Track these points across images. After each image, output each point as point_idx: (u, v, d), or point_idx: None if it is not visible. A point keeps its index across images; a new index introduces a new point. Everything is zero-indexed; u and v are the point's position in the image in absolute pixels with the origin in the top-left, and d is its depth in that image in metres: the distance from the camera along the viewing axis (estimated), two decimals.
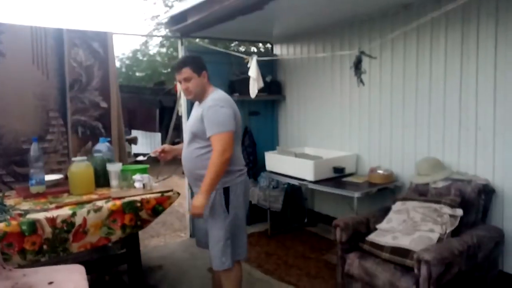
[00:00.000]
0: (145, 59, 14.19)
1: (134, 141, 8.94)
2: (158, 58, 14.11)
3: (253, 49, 8.42)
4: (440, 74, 2.85)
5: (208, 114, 2.01)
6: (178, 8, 3.25)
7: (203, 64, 2.12)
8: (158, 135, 9.68)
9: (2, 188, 2.68)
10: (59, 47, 2.97)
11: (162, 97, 10.24)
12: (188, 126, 2.17)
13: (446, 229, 2.30)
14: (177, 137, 8.29)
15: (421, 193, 2.73)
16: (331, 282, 2.77)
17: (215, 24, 3.32)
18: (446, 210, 2.38)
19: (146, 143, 9.87)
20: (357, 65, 2.26)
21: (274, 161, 3.71)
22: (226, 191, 2.08)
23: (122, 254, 2.62)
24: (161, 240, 3.86)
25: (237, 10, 2.88)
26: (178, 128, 8.62)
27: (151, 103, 9.98)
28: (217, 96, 2.08)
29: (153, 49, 14.14)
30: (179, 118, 7.86)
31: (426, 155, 2.94)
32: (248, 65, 3.15)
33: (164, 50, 13.59)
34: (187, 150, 2.14)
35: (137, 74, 14.18)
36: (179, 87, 2.30)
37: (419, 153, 3.02)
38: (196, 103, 2.20)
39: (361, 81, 2.31)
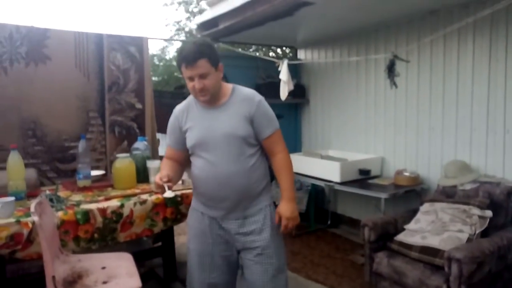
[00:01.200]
0: (161, 64, 14.49)
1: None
2: (174, 63, 14.38)
3: (272, 54, 8.56)
4: (467, 78, 2.90)
5: (262, 109, 1.63)
6: (210, 14, 3.39)
7: (218, 53, 1.63)
8: None
9: (46, 183, 2.85)
10: (99, 51, 3.13)
11: (180, 101, 10.47)
12: (225, 132, 1.60)
13: (475, 230, 2.34)
14: None
15: (449, 195, 2.78)
16: (358, 280, 2.83)
17: (244, 30, 3.45)
18: (475, 211, 2.42)
19: (165, 144, 10.12)
20: (390, 68, 2.34)
21: (299, 163, 3.80)
22: (273, 205, 1.74)
23: (158, 247, 2.75)
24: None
25: (268, 16, 3.00)
26: None
27: (170, 107, 10.20)
28: (248, 89, 1.70)
29: (169, 55, 14.41)
30: None
31: (453, 158, 2.99)
32: (279, 69, 3.26)
33: None
34: (235, 164, 1.60)
35: (154, 78, 14.48)
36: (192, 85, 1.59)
37: (446, 156, 3.07)
38: (198, 107, 1.67)
39: (394, 83, 2.39)
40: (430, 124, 3.20)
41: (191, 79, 1.55)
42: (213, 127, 1.63)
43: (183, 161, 1.76)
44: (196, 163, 1.67)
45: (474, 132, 2.89)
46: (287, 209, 1.68)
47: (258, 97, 1.66)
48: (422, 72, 3.22)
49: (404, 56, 3.01)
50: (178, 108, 1.75)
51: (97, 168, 3.04)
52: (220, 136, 1.61)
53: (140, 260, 2.85)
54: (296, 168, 3.77)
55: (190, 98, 1.70)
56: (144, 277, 2.93)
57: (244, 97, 1.65)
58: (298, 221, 1.72)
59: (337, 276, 2.94)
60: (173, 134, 1.74)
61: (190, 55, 1.52)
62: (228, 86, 1.68)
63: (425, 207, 2.68)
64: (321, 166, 3.52)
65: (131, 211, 2.04)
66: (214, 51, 1.59)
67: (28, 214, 1.79)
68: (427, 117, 3.22)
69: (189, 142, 1.66)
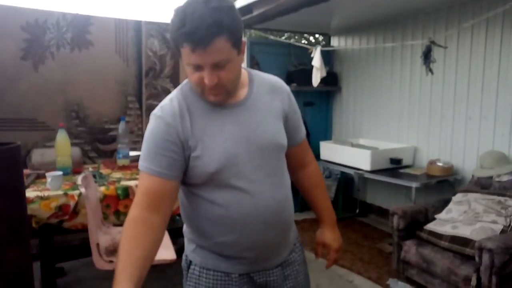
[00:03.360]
0: None
1: None
2: None
3: (304, 41, 8.48)
4: (510, 66, 2.78)
5: (294, 102, 1.16)
6: (245, 0, 3.42)
7: (241, 22, 0.96)
8: None
9: (87, 162, 3.04)
10: (137, 38, 3.26)
11: None
12: (265, 142, 1.04)
13: (510, 221, 2.28)
14: None
15: (483, 186, 2.70)
16: (385, 268, 2.83)
17: (278, 16, 3.46)
18: (511, 202, 2.35)
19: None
20: (427, 55, 2.29)
21: (329, 151, 3.80)
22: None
23: None
24: None
25: (303, 2, 2.99)
26: None
27: None
28: (270, 75, 1.17)
29: None
30: None
31: (490, 149, 2.89)
32: (312, 55, 3.26)
33: None
34: (281, 188, 1.08)
35: None
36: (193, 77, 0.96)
37: (483, 146, 2.97)
38: (205, 105, 1.02)
39: (430, 70, 2.34)
40: (467, 113, 3.10)
41: (198, 67, 0.92)
42: (245, 136, 1.02)
43: (170, 209, 1.00)
44: (218, 199, 1.01)
45: None
46: (335, 238, 1.26)
47: (285, 85, 1.16)
48: (461, 58, 3.11)
49: (442, 42, 2.92)
50: (167, 110, 1.00)
51: (134, 149, 3.20)
52: (257, 149, 1.02)
53: (173, 237, 3.01)
54: (326, 156, 3.84)
55: (183, 91, 1.03)
56: (176, 253, 3.10)
57: (270, 85, 1.11)
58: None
59: (364, 263, 2.96)
60: (162, 154, 0.98)
61: (200, 30, 0.86)
62: (242, 71, 1.07)
63: (458, 197, 2.63)
64: (351, 154, 3.51)
65: None
66: (237, 20, 0.93)
67: (74, 188, 1.95)
68: (464, 105, 3.12)
69: (206, 167, 0.98)
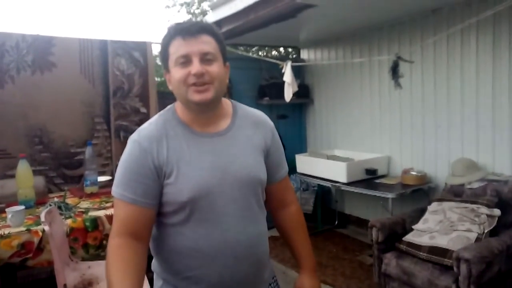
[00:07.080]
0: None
1: None
2: None
3: (274, 52, 8.54)
4: (472, 75, 2.88)
5: (277, 139, 1.16)
6: (213, 17, 3.40)
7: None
8: None
9: (53, 189, 2.87)
10: (103, 57, 3.16)
11: None
12: (244, 175, 1.02)
13: (484, 229, 2.33)
14: None
15: (456, 194, 2.76)
16: (367, 282, 2.82)
17: (247, 32, 3.46)
18: (484, 210, 2.41)
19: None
20: (394, 70, 2.33)
21: (305, 163, 3.80)
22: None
23: None
24: None
25: (271, 19, 3.00)
26: None
27: None
28: (254, 109, 1.17)
29: None
30: None
31: (460, 156, 2.97)
32: (283, 71, 3.26)
33: None
34: (256, 223, 1.05)
35: (156, 79, 14.58)
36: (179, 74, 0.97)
37: (453, 154, 3.05)
38: (186, 132, 1.01)
39: (399, 84, 2.38)
40: (436, 122, 3.18)
41: (186, 62, 0.94)
42: (222, 167, 0.99)
43: (149, 235, 1.00)
44: (188, 231, 0.98)
45: (481, 129, 2.87)
46: (315, 285, 1.18)
47: (269, 120, 1.15)
48: (426, 71, 3.20)
49: (407, 56, 3.00)
50: (144, 135, 0.99)
51: (103, 173, 3.06)
52: (234, 180, 0.99)
53: (147, 265, 2.88)
54: (302, 169, 3.83)
55: (165, 116, 1.04)
56: (151, 282, 2.97)
57: (254, 119, 1.10)
58: None
59: (346, 278, 2.94)
60: (137, 180, 0.95)
61: (193, 26, 0.97)
62: (227, 101, 1.10)
63: (433, 206, 2.67)
64: (327, 167, 3.51)
65: None
66: (223, 41, 1.03)
67: (38, 222, 1.81)
68: (432, 115, 3.20)
69: (179, 195, 0.96)
